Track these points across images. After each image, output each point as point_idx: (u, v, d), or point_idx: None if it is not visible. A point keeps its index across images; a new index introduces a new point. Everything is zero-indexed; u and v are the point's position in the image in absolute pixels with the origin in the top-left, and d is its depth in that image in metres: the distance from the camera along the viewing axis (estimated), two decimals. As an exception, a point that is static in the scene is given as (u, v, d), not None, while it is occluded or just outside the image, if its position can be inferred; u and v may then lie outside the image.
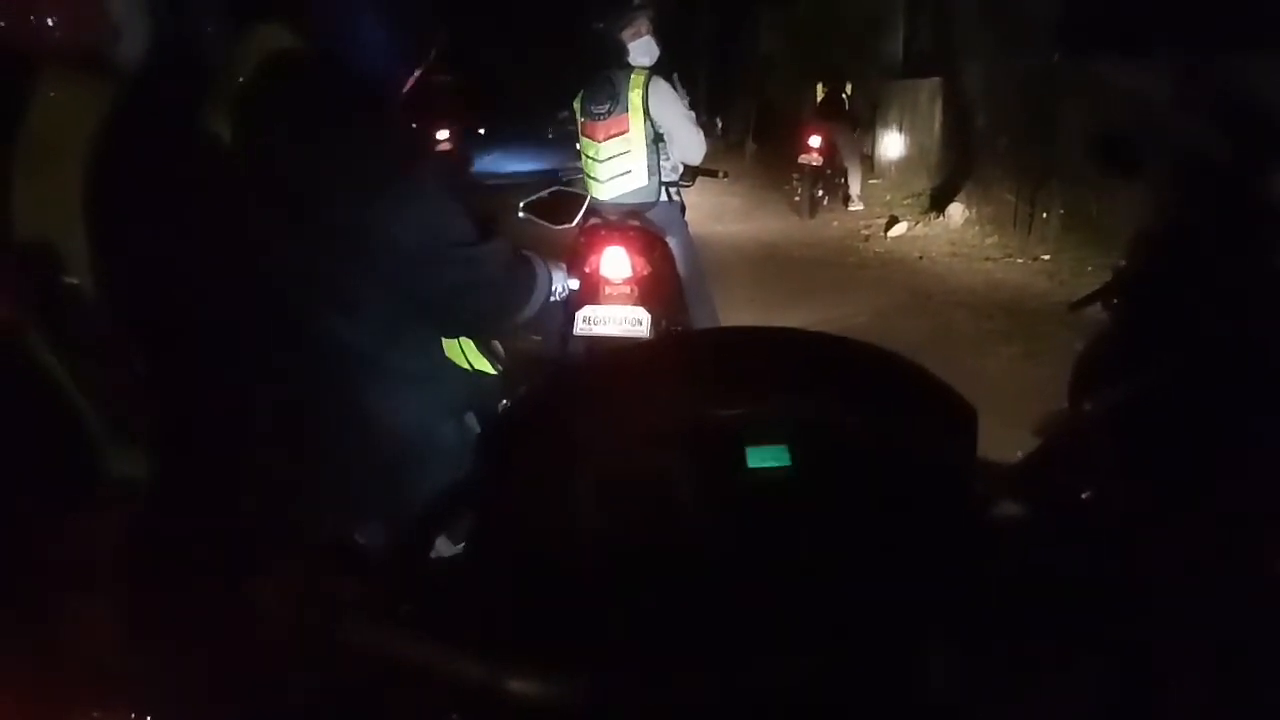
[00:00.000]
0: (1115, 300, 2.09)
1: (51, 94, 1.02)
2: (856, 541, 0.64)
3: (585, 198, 3.44)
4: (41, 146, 1.00)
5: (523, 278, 1.57)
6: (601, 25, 3.79)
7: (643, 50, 3.82)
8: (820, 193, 9.99)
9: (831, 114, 10.11)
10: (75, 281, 1.00)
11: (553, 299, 1.73)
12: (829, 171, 10.02)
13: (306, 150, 1.28)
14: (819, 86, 10.53)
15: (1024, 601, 0.62)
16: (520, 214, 3.13)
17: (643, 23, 3.79)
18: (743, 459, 0.65)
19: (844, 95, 10.48)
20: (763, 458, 0.65)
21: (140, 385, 1.04)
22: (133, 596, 0.59)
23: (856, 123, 10.45)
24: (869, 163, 11.25)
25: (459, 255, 1.43)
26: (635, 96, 3.76)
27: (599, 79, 3.84)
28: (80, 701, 0.61)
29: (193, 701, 0.59)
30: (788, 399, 0.67)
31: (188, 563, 0.58)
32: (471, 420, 1.58)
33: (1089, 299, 2.19)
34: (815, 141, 9.61)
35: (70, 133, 1.01)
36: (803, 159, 9.75)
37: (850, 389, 0.69)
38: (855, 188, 10.20)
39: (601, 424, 0.70)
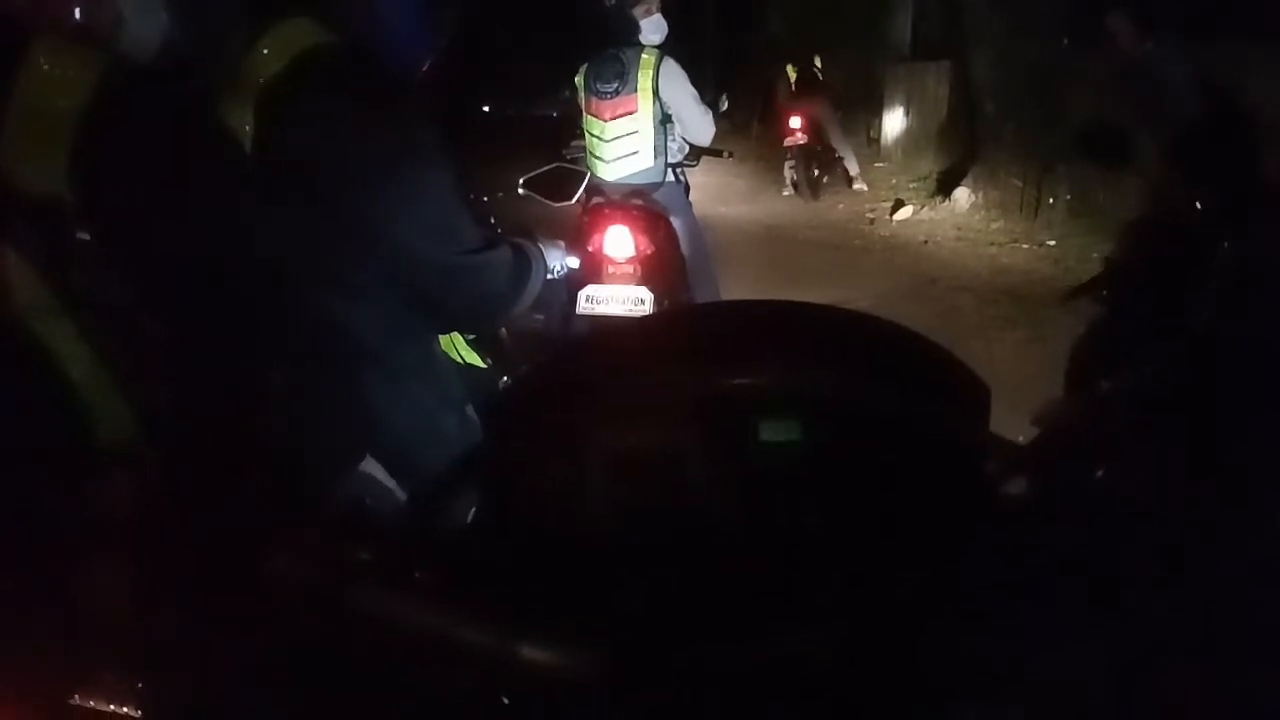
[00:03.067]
0: (1105, 291, 2.10)
1: (44, 65, 1.01)
2: (867, 517, 0.64)
3: (585, 175, 3.43)
4: (31, 114, 1.00)
5: (522, 281, 1.57)
6: (612, 1, 3.74)
7: (654, 28, 3.78)
8: (817, 173, 9.91)
9: (808, 93, 9.94)
10: (87, 238, 1.00)
11: (550, 276, 1.74)
12: (819, 149, 9.93)
13: (333, 143, 1.29)
14: (789, 69, 10.35)
15: (1032, 581, 0.62)
16: (520, 190, 3.13)
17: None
18: (755, 433, 0.65)
19: (815, 71, 10.29)
20: (775, 432, 0.65)
21: (152, 347, 1.04)
22: (143, 559, 0.59)
23: (836, 96, 10.26)
24: (876, 145, 11.19)
25: (466, 263, 1.44)
26: (646, 76, 3.72)
27: (605, 56, 3.80)
28: (90, 663, 0.61)
29: (203, 663, 0.59)
30: (801, 372, 0.67)
31: (200, 527, 0.58)
32: (472, 413, 1.59)
33: (1080, 290, 2.19)
34: (796, 123, 9.50)
35: (60, 102, 1.01)
36: (788, 141, 9.67)
37: (864, 364, 0.68)
38: (853, 166, 10.09)
39: (611, 396, 0.69)
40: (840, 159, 10.21)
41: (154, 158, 1.07)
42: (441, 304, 1.47)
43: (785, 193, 10.07)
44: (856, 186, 10.00)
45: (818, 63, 10.29)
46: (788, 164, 9.98)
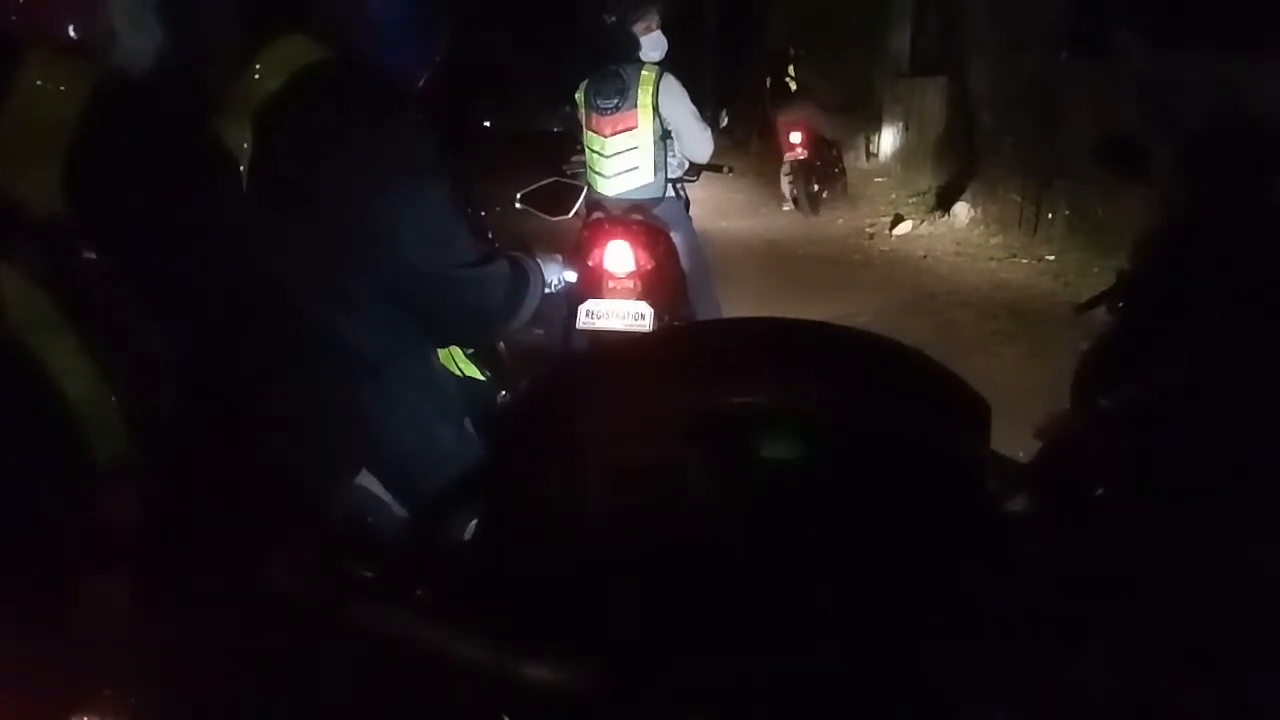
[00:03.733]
0: (1120, 303, 2.09)
1: (37, 79, 1.02)
2: (867, 533, 0.64)
3: (582, 189, 3.44)
4: (24, 127, 1.00)
5: (520, 295, 1.58)
6: (612, 18, 3.76)
7: (654, 44, 3.80)
8: (817, 188, 9.92)
9: (788, 103, 9.81)
10: (91, 256, 1.00)
11: (548, 290, 1.74)
12: (819, 164, 9.94)
13: (332, 157, 1.29)
14: (766, 81, 10.29)
15: (1032, 597, 0.62)
16: (518, 205, 3.13)
17: (654, 16, 3.77)
18: (755, 449, 0.65)
19: (788, 80, 10.09)
20: (774, 448, 0.65)
21: (154, 358, 1.04)
22: (144, 573, 0.59)
23: (822, 99, 10.05)
24: (875, 160, 11.21)
25: (464, 276, 1.44)
26: (646, 93, 3.73)
27: (606, 72, 3.81)
28: (86, 679, 0.61)
29: (200, 679, 0.59)
30: (800, 389, 0.67)
31: (201, 540, 0.58)
32: (469, 426, 1.59)
33: (1094, 301, 2.19)
34: (796, 138, 9.50)
35: (53, 115, 1.01)
36: (789, 156, 9.66)
37: (864, 381, 0.68)
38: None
39: (612, 411, 0.69)
40: (842, 170, 10.22)
41: (148, 169, 1.07)
42: (439, 317, 1.47)
43: (785, 207, 10.09)
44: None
45: (791, 71, 10.24)
46: (785, 178, 9.99)
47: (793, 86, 10.12)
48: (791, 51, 10.33)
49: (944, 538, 0.64)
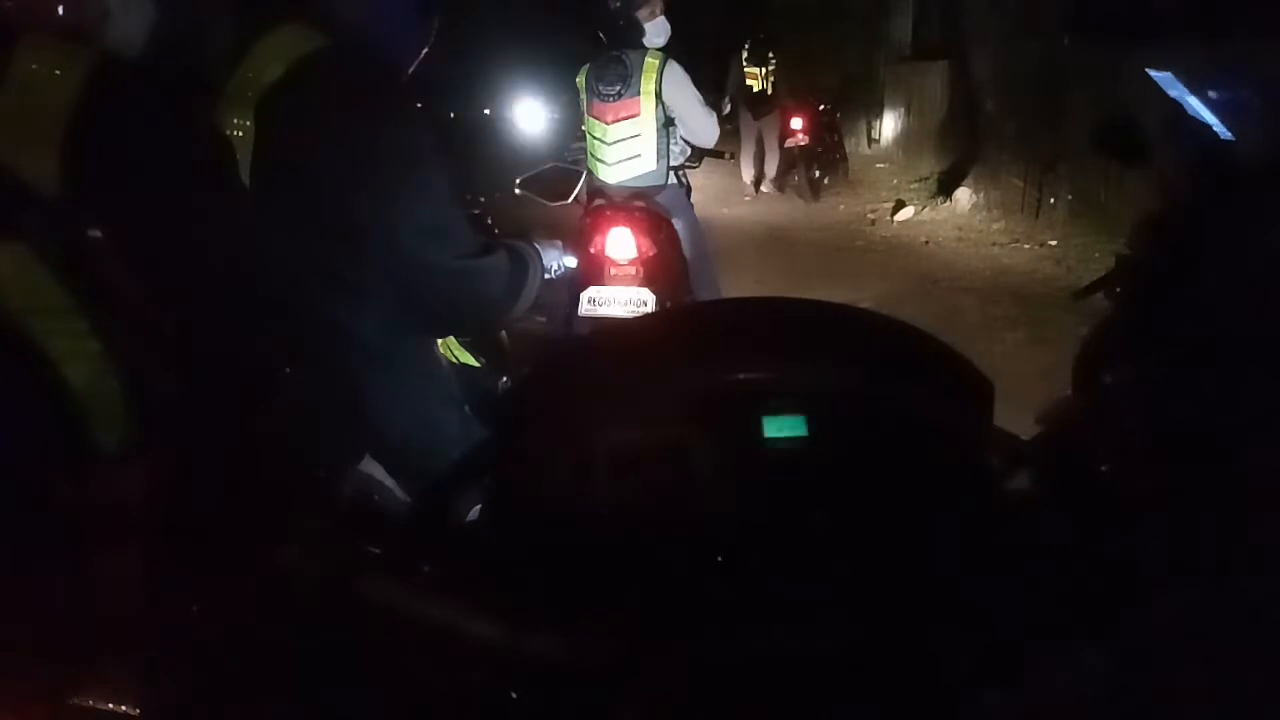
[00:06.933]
0: (1118, 288, 2.08)
1: (32, 64, 1.02)
2: (872, 512, 0.64)
3: (581, 175, 3.43)
4: (20, 113, 1.00)
5: (519, 285, 1.58)
6: (616, 3, 3.74)
7: (658, 30, 3.78)
8: (818, 174, 9.88)
9: (762, 104, 9.64)
10: (98, 234, 0.99)
11: (548, 277, 1.74)
12: (820, 150, 9.89)
13: (332, 149, 1.29)
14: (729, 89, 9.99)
15: (1035, 577, 0.63)
16: (517, 190, 3.13)
17: (658, 1, 3.75)
18: (759, 428, 0.65)
19: (751, 82, 9.64)
20: (779, 427, 0.65)
21: (164, 342, 1.04)
22: (148, 554, 0.60)
23: (791, 100, 9.78)
24: (876, 145, 11.18)
25: (463, 267, 1.45)
26: (649, 80, 3.71)
27: (608, 58, 3.79)
28: (91, 659, 0.62)
29: (206, 659, 0.59)
30: (805, 368, 0.67)
31: (205, 522, 0.58)
32: (469, 413, 1.60)
33: (1092, 288, 2.18)
34: (797, 124, 9.44)
35: (49, 100, 1.01)
36: (789, 143, 9.58)
37: (868, 360, 0.68)
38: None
39: (615, 392, 0.70)
40: (844, 156, 10.17)
41: (146, 151, 1.07)
42: (438, 308, 1.47)
43: (764, 188, 10.03)
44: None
45: (757, 75, 9.77)
46: (770, 160, 9.92)
47: (761, 89, 9.77)
48: (744, 54, 9.83)
49: (948, 517, 0.64)
